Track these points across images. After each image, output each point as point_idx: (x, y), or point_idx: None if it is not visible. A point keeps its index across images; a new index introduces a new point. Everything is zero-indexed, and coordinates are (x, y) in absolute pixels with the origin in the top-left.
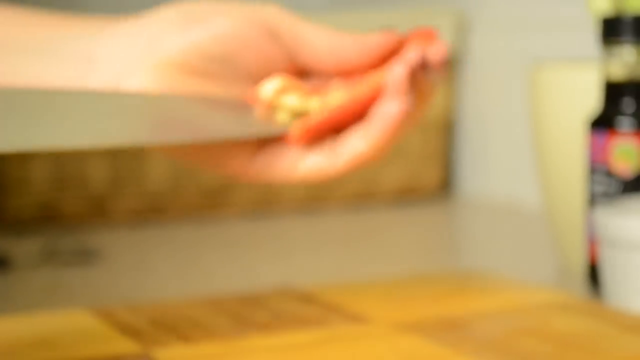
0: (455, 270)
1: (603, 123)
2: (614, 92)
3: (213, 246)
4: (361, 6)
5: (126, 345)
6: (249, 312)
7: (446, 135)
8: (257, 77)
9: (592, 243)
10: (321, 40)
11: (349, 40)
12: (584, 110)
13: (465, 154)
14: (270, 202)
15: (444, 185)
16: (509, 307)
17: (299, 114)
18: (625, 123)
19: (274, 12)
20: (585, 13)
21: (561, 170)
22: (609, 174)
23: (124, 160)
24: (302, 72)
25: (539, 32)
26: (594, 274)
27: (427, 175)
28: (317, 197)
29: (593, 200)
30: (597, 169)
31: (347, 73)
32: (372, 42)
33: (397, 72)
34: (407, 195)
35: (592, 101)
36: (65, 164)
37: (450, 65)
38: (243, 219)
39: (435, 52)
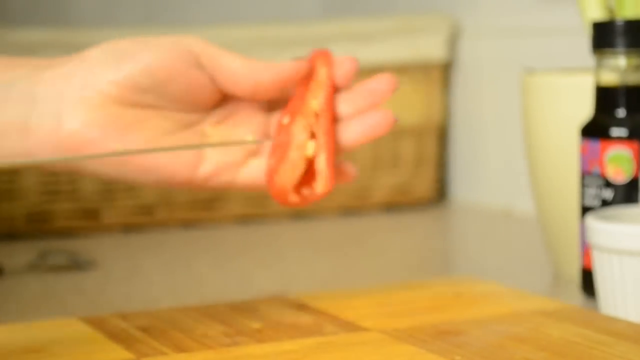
0: (448, 277)
1: (595, 130)
2: (607, 99)
3: (205, 254)
4: (355, 14)
5: (118, 354)
6: (242, 320)
7: (439, 142)
8: (187, 102)
9: (586, 250)
10: (238, 67)
11: (263, 67)
12: (576, 117)
13: (458, 160)
14: (263, 209)
15: (437, 192)
16: (503, 315)
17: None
18: (617, 130)
19: (195, 42)
20: (577, 20)
21: (554, 176)
22: (602, 180)
23: None
24: (224, 98)
25: (531, 39)
26: (587, 281)
27: (420, 182)
28: (311, 203)
29: (586, 206)
30: (590, 175)
31: (262, 96)
32: (284, 68)
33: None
34: (401, 202)
35: (584, 108)
36: (57, 172)
37: (444, 72)
38: (235, 226)
39: (342, 64)
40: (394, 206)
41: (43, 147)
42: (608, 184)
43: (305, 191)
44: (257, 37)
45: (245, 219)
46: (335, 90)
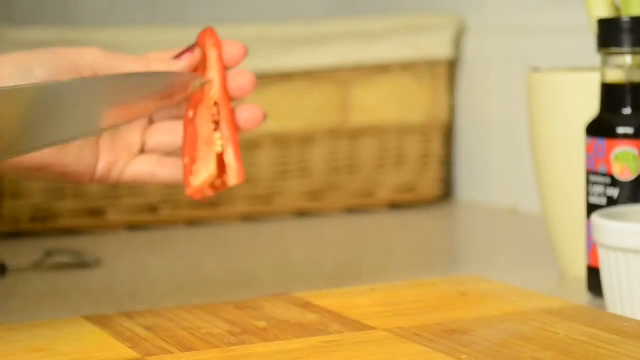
0: (454, 276)
1: (601, 128)
2: (613, 97)
3: (210, 252)
4: (360, 12)
5: (124, 352)
6: (247, 319)
7: (445, 140)
8: None
9: (592, 248)
10: (132, 68)
11: (158, 64)
12: (582, 115)
13: (463, 159)
14: (267, 207)
15: (443, 191)
16: (509, 313)
17: None
18: (623, 128)
19: (87, 53)
20: (583, 18)
21: (560, 175)
22: (608, 178)
23: None
24: None
25: (537, 37)
26: (593, 280)
27: (425, 180)
28: (315, 201)
29: (592, 205)
30: (596, 173)
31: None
32: (179, 63)
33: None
34: (406, 201)
35: (590, 106)
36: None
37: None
38: (240, 224)
39: (230, 45)
40: (399, 205)
41: None
42: (614, 182)
43: (217, 183)
44: (261, 36)
45: (249, 218)
46: (225, 72)
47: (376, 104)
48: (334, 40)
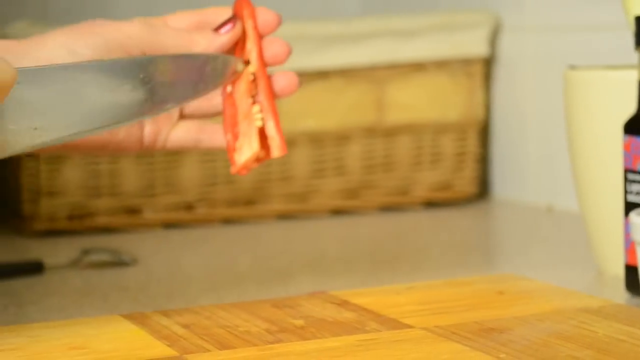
0: (491, 275)
1: (639, 126)
2: None
3: (246, 250)
4: (396, 10)
5: (161, 350)
6: (284, 317)
7: (480, 138)
8: None
9: (630, 246)
10: (173, 40)
11: (199, 36)
12: (620, 113)
13: (499, 157)
14: (303, 205)
15: (479, 189)
16: (547, 312)
17: None
18: None
19: (133, 29)
20: (621, 16)
21: (597, 173)
22: None
23: (157, 165)
24: None
25: (574, 35)
26: (631, 278)
27: (461, 178)
28: (351, 200)
29: (630, 203)
30: (634, 171)
31: None
32: (221, 37)
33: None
34: (442, 199)
35: (628, 104)
36: (98, 169)
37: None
38: (276, 223)
39: (264, 13)
40: (434, 203)
41: None
42: None
43: (261, 155)
44: (298, 34)
45: (285, 216)
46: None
47: (412, 102)
48: (370, 38)
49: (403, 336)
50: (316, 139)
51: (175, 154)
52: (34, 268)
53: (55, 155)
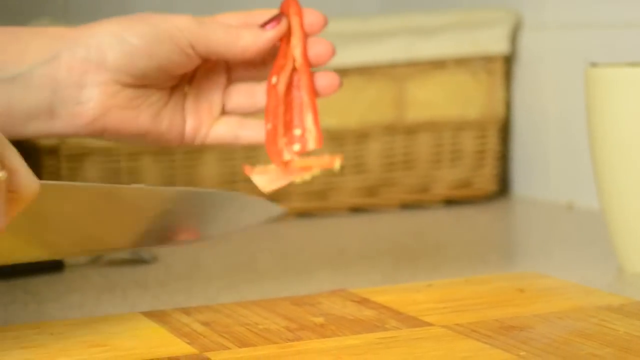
0: (511, 272)
1: None
2: None
3: (265, 248)
4: (416, 8)
5: (182, 348)
6: (304, 315)
7: (501, 136)
8: (171, 74)
9: None
10: (220, 34)
11: (245, 32)
12: None
13: (520, 154)
14: (323, 203)
15: (499, 186)
16: (567, 310)
17: None
18: None
19: (183, 21)
20: None
21: (619, 171)
22: None
23: (177, 163)
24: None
25: (595, 32)
26: None
27: (481, 176)
28: (370, 197)
29: None
30: None
31: (250, 60)
32: (267, 32)
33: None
34: (462, 197)
35: None
36: (118, 167)
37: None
38: (295, 220)
39: (310, 13)
40: (455, 200)
41: (67, 129)
42: None
43: (296, 147)
44: None
45: (305, 213)
46: (306, 40)
47: (431, 100)
48: (390, 35)
49: (423, 334)
50: (336, 137)
51: (195, 152)
52: (54, 266)
53: (75, 153)
